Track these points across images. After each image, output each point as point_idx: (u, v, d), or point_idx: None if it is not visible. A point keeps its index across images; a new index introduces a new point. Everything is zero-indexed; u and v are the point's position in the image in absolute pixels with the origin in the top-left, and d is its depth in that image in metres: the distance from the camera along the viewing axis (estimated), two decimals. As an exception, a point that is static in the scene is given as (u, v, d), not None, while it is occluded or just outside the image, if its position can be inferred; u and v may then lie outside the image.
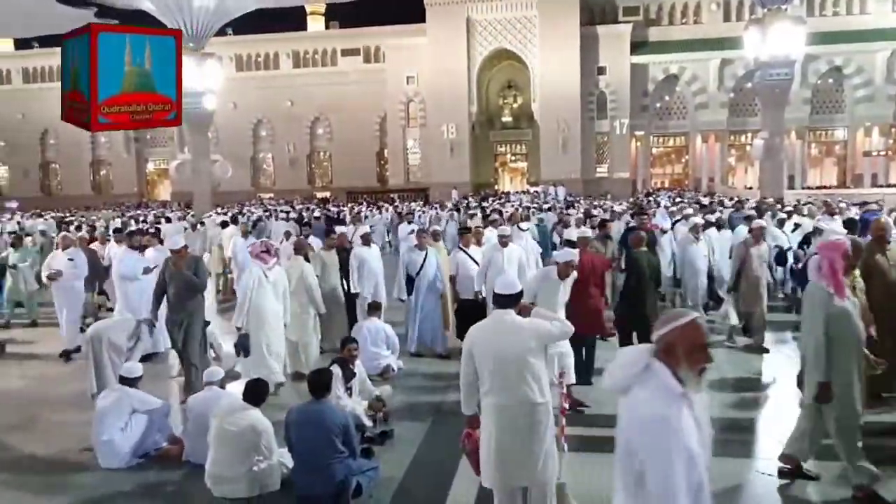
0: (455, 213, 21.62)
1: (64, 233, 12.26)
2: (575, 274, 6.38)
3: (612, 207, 20.15)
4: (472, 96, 44.27)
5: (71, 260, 9.87)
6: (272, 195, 47.27)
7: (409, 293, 9.04)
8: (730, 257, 9.40)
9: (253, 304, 7.22)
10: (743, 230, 10.22)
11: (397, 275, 9.54)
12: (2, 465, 5.77)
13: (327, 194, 46.41)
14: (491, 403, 3.91)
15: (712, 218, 12.08)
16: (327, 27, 52.84)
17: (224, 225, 15.71)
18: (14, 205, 44.16)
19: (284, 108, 50.02)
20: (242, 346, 7.20)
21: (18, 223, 24.45)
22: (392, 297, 9.72)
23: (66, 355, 9.33)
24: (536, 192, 38.56)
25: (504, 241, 8.51)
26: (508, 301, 4.07)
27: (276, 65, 51.07)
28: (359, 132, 48.87)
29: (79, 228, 18.00)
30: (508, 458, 3.90)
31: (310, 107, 49.94)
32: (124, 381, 5.79)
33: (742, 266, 8.55)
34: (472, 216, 17.88)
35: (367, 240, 9.64)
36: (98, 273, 11.14)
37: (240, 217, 19.39)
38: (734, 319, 8.92)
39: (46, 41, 47.42)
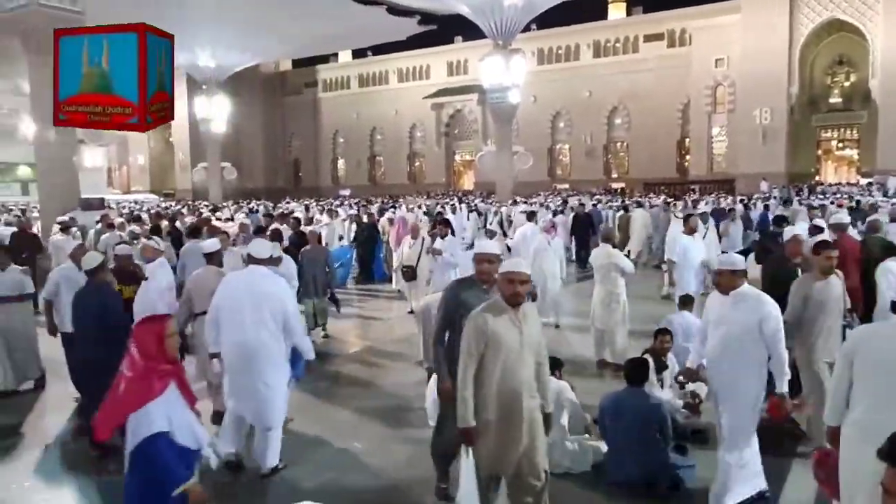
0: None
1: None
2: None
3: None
4: (792, 76, 39.61)
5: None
6: (567, 185, 47.97)
7: None
8: None
9: (536, 264, 9.32)
10: None
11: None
12: (345, 412, 6.75)
13: (622, 185, 45.63)
14: (868, 420, 3.26)
15: None
16: (629, 14, 51.71)
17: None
18: (347, 192, 51.51)
19: (582, 99, 50.26)
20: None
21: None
22: None
23: None
24: (869, 183, 33.20)
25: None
26: None
27: (576, 56, 51.51)
28: (658, 121, 47.01)
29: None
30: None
31: (608, 96, 49.46)
32: None
33: None
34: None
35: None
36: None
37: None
38: None
39: (378, 49, 54.25)
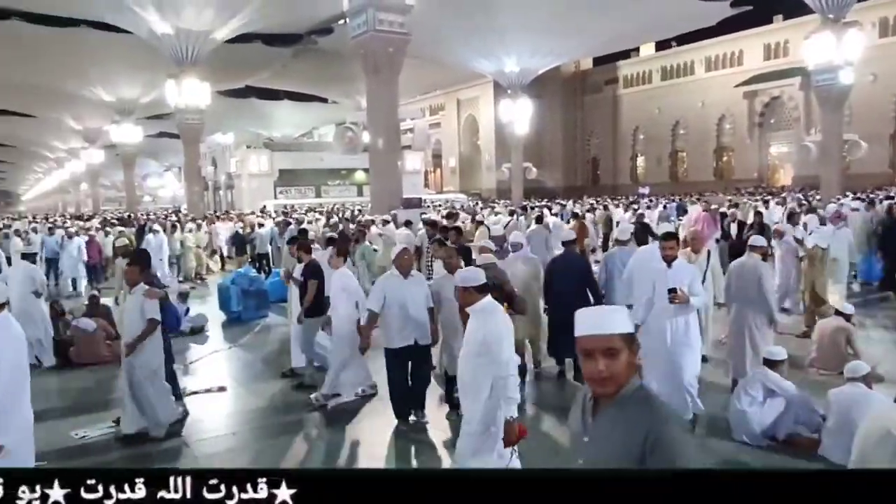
0: None
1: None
2: None
3: None
4: None
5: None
6: (916, 178, 40.32)
7: None
8: None
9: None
10: None
11: None
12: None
13: None
14: None
15: None
16: None
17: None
18: (646, 190, 49.94)
19: (944, 73, 41.65)
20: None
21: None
22: None
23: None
24: None
25: None
26: None
27: (936, 21, 42.91)
28: None
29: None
30: None
31: (979, 67, 40.26)
32: (766, 362, 5.78)
33: None
34: None
35: None
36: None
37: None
38: None
39: (683, 39, 51.50)
